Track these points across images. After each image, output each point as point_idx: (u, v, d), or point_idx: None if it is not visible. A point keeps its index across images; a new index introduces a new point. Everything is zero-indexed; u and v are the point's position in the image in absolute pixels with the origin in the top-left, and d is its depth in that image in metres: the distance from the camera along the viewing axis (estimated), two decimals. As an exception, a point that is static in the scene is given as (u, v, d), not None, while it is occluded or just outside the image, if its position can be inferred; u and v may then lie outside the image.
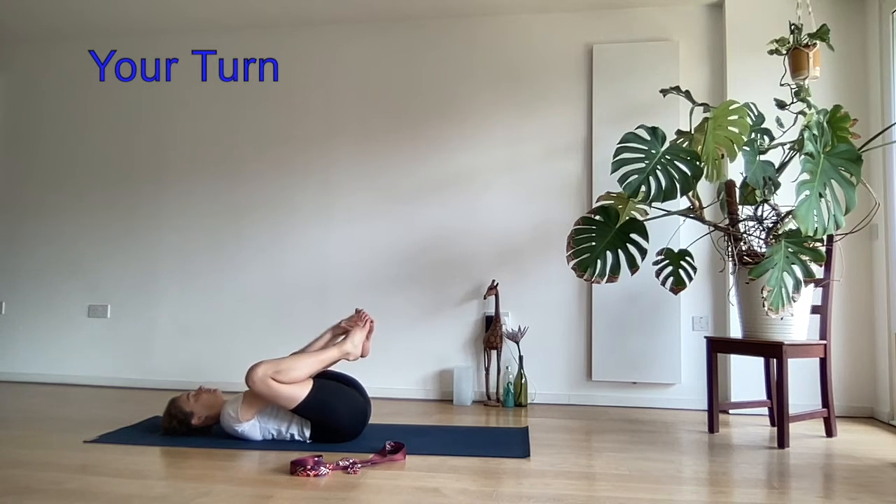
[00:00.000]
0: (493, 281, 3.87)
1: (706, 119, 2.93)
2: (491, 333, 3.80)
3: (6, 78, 4.70)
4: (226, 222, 4.31)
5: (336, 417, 2.62)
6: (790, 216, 2.87)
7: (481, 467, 2.35)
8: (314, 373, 2.66)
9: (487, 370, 3.86)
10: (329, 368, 2.80)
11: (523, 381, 3.74)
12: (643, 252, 2.95)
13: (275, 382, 2.51)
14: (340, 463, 2.28)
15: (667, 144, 2.91)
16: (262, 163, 4.31)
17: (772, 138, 3.09)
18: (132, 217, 4.43)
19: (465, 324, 3.99)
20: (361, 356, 2.85)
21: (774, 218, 2.99)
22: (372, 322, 2.91)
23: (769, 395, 3.25)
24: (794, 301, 2.60)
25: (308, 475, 2.18)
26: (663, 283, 3.17)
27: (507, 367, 3.86)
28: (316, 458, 2.23)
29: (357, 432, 2.72)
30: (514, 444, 2.72)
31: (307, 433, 2.66)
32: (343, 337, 2.86)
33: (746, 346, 2.94)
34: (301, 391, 2.57)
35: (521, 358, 3.75)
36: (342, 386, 2.74)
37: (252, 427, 2.65)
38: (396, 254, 4.11)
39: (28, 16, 4.28)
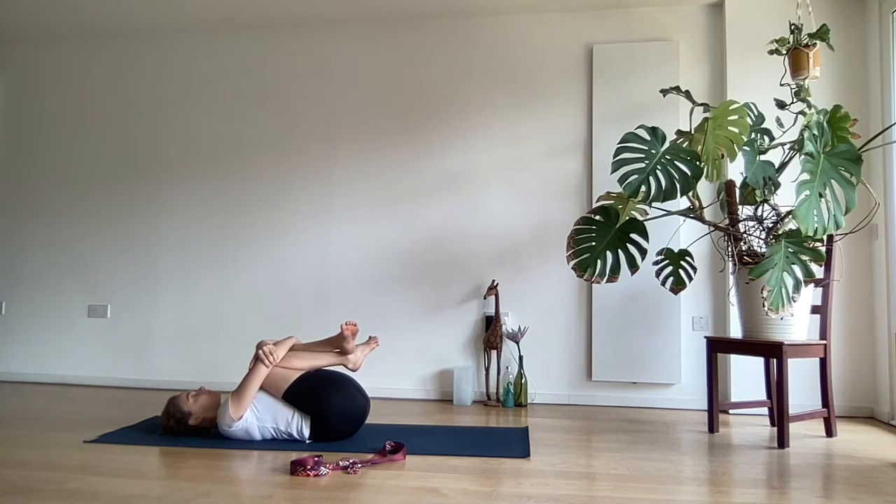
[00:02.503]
0: (493, 281, 3.87)
1: (706, 119, 2.93)
2: (491, 333, 3.80)
3: (6, 78, 4.70)
4: (226, 222, 4.31)
5: (330, 407, 2.63)
6: (790, 216, 2.87)
7: (481, 467, 2.35)
8: (307, 369, 2.76)
9: (487, 370, 3.86)
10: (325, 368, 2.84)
11: (523, 381, 3.74)
12: (643, 252, 2.95)
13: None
14: (340, 463, 2.28)
15: (667, 144, 2.91)
16: (262, 162, 4.31)
17: (772, 138, 3.09)
18: (132, 217, 4.43)
19: (465, 324, 3.99)
20: (353, 369, 2.91)
21: (774, 218, 2.99)
22: (378, 346, 3.11)
23: (769, 395, 3.25)
24: (794, 301, 2.60)
25: (308, 475, 2.18)
26: (663, 283, 3.17)
27: (507, 367, 3.86)
28: (316, 458, 2.23)
29: (354, 427, 2.72)
30: (514, 444, 2.72)
31: (306, 433, 2.66)
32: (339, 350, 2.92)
33: (746, 346, 2.94)
34: (291, 374, 2.69)
35: (521, 358, 3.75)
36: (336, 380, 2.75)
37: (250, 426, 2.65)
38: (396, 253, 4.11)
39: (27, 16, 4.28)
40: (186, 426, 2.72)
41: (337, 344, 2.88)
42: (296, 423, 2.67)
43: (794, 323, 2.86)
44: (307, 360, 2.78)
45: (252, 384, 2.64)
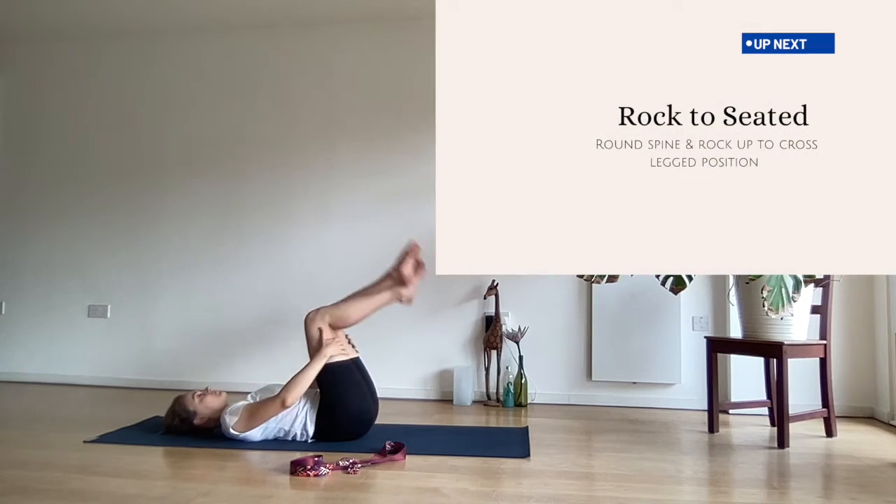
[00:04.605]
0: (493, 281, 3.87)
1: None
2: (491, 333, 3.80)
3: (6, 78, 4.69)
4: (226, 222, 4.31)
5: (344, 407, 2.67)
6: (790, 216, 2.87)
7: (481, 467, 2.36)
8: (367, 316, 2.84)
9: (487, 370, 3.86)
10: (363, 366, 2.89)
11: (523, 381, 3.74)
12: (643, 252, 2.94)
13: (329, 329, 2.76)
14: (340, 463, 2.28)
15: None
16: (262, 162, 4.30)
17: (772, 138, 3.09)
18: (132, 217, 4.42)
19: (465, 324, 3.99)
20: (409, 302, 2.97)
21: (774, 218, 2.99)
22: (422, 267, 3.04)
23: (769, 395, 3.25)
24: (794, 301, 2.60)
25: (308, 475, 2.18)
26: (663, 283, 3.17)
27: (507, 367, 3.86)
28: (316, 458, 2.23)
29: (359, 433, 2.74)
30: (514, 444, 2.72)
31: (311, 430, 2.66)
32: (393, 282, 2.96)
33: (746, 346, 2.94)
34: (340, 355, 2.72)
35: (521, 358, 3.75)
36: (363, 384, 2.79)
37: (254, 432, 2.65)
38: (397, 253, 4.09)
39: (28, 16, 4.28)
40: (191, 426, 2.72)
41: (395, 278, 2.95)
42: (300, 421, 2.67)
43: (794, 323, 2.86)
44: (365, 306, 2.88)
45: (269, 413, 2.63)
